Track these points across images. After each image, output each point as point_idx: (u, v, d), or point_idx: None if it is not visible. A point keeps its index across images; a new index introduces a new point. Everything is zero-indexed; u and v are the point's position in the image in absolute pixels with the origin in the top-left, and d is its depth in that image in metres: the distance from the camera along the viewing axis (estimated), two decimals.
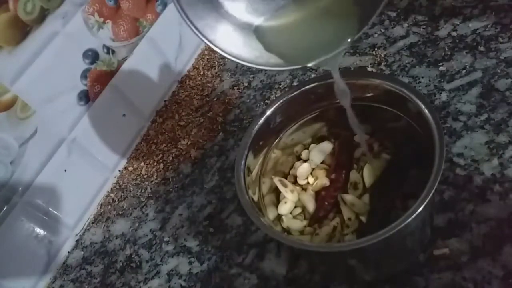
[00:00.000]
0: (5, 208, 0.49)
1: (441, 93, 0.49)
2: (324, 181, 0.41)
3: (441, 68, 0.51)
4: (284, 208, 0.41)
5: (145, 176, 0.59)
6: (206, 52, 0.71)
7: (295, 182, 0.43)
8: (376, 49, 0.57)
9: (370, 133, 0.43)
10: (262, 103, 0.59)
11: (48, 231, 0.54)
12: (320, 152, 0.43)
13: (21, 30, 0.48)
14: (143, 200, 0.57)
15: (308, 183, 0.43)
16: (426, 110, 0.34)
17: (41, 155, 0.52)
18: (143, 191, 0.58)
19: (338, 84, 0.36)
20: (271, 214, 0.40)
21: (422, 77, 0.51)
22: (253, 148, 0.39)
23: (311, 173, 0.43)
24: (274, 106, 0.40)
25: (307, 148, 0.44)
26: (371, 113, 0.40)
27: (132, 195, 0.58)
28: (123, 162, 0.62)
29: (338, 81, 0.35)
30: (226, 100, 0.62)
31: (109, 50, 0.58)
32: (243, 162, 0.38)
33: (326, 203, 0.40)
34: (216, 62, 0.69)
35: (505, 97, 0.46)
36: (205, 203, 0.53)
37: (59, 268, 0.55)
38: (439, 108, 0.48)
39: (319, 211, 0.40)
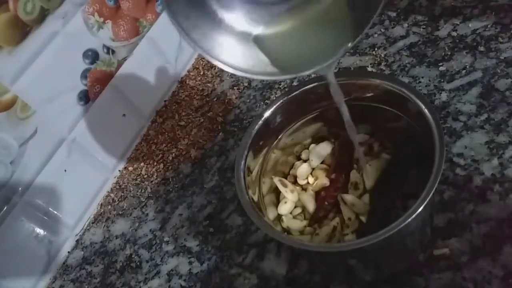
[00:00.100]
0: (5, 208, 0.49)
1: (441, 93, 0.49)
2: (324, 181, 0.41)
3: (441, 68, 0.51)
4: (284, 208, 0.41)
5: (145, 176, 0.59)
6: None
7: (295, 182, 0.43)
8: (376, 49, 0.57)
9: (370, 133, 0.43)
10: (262, 103, 0.59)
11: (48, 231, 0.54)
12: (320, 152, 0.43)
13: (21, 30, 0.48)
14: (143, 200, 0.57)
15: (308, 183, 0.43)
16: (426, 110, 0.34)
17: (41, 155, 0.52)
18: (143, 191, 0.58)
19: (346, 117, 0.36)
20: (271, 214, 0.40)
21: (422, 77, 0.51)
22: (253, 148, 0.39)
23: (311, 173, 0.43)
24: (274, 106, 0.40)
25: (307, 148, 0.44)
26: (371, 113, 0.40)
27: (132, 195, 0.58)
28: (123, 162, 0.62)
29: (336, 92, 0.35)
30: (226, 100, 0.62)
31: (109, 50, 0.58)
32: (243, 162, 0.38)
33: (326, 203, 0.40)
34: None
35: (505, 97, 0.46)
36: (205, 203, 0.53)
37: (59, 268, 0.55)
38: (439, 108, 0.48)
39: (319, 211, 0.40)
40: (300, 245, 0.34)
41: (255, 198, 0.38)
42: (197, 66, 0.69)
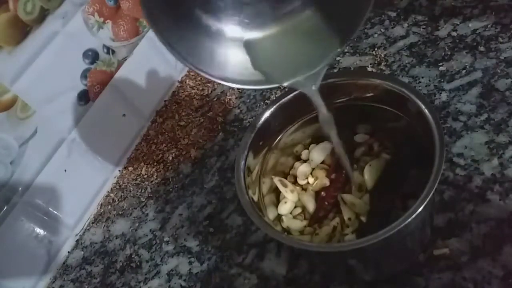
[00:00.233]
0: (5, 208, 0.49)
1: (441, 93, 0.49)
2: (324, 181, 0.41)
3: (441, 68, 0.51)
4: (284, 208, 0.41)
5: (145, 176, 0.59)
6: None
7: (295, 182, 0.43)
8: (376, 49, 0.57)
9: (370, 133, 0.43)
10: (262, 103, 0.59)
11: (48, 231, 0.54)
12: (320, 152, 0.43)
13: (21, 30, 0.48)
14: (143, 200, 0.57)
15: (308, 183, 0.43)
16: (426, 110, 0.34)
17: (41, 155, 0.52)
18: (143, 191, 0.58)
19: (320, 109, 0.35)
20: (271, 214, 0.40)
21: (422, 77, 0.51)
22: (253, 148, 0.39)
23: (311, 173, 0.43)
24: (274, 106, 0.40)
25: (307, 148, 0.44)
26: (371, 113, 0.40)
27: (132, 195, 0.58)
28: (123, 162, 0.62)
29: (320, 106, 0.35)
30: (226, 100, 0.62)
31: (109, 50, 0.58)
32: (243, 162, 0.38)
33: (326, 203, 0.40)
34: None
35: (505, 97, 0.46)
36: (205, 203, 0.53)
37: (59, 268, 0.55)
38: (439, 108, 0.48)
39: (319, 211, 0.40)
40: (300, 245, 0.34)
41: (255, 198, 0.38)
42: None
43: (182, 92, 0.67)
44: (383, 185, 0.39)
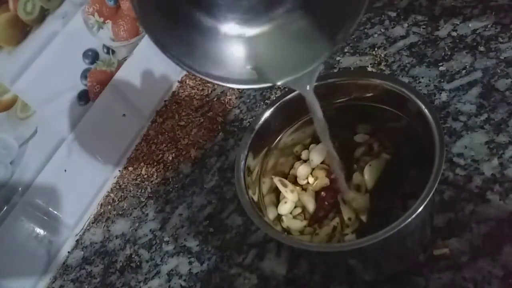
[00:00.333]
0: (5, 208, 0.49)
1: (441, 93, 0.49)
2: (324, 181, 0.41)
3: (441, 68, 0.51)
4: (284, 208, 0.41)
5: (145, 176, 0.59)
6: None
7: (295, 182, 0.43)
8: (376, 49, 0.57)
9: (370, 133, 0.43)
10: (262, 103, 0.59)
11: (48, 231, 0.54)
12: (320, 152, 0.43)
13: (21, 30, 0.48)
14: (143, 200, 0.57)
15: (308, 183, 0.43)
16: (426, 110, 0.34)
17: (41, 155, 0.52)
18: (143, 191, 0.58)
19: (315, 111, 0.35)
20: (271, 214, 0.40)
21: (422, 77, 0.51)
22: (253, 148, 0.39)
23: (311, 173, 0.43)
24: (274, 106, 0.40)
25: (307, 148, 0.44)
26: (371, 113, 0.40)
27: (132, 195, 0.58)
28: (123, 162, 0.62)
29: (314, 107, 0.35)
30: (226, 100, 0.62)
31: (109, 50, 0.58)
32: (243, 162, 0.38)
33: (326, 203, 0.40)
34: None
35: (505, 97, 0.46)
36: (205, 203, 0.53)
37: (59, 268, 0.55)
38: (439, 108, 0.48)
39: (319, 211, 0.40)
40: (300, 245, 0.34)
41: (255, 198, 0.38)
42: None
43: (182, 92, 0.67)
44: (383, 185, 0.39)
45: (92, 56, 0.56)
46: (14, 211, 0.50)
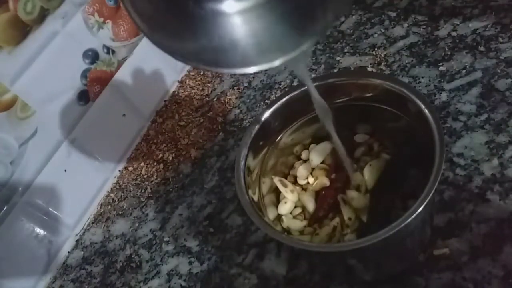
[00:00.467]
0: (5, 208, 0.49)
1: (441, 93, 0.49)
2: (324, 181, 0.41)
3: (441, 68, 0.51)
4: (284, 208, 0.41)
5: (145, 176, 0.59)
6: None
7: (295, 182, 0.43)
8: (376, 49, 0.57)
9: (370, 133, 0.43)
10: (262, 103, 0.59)
11: (48, 231, 0.54)
12: (320, 152, 0.43)
13: (21, 30, 0.48)
14: (143, 200, 0.57)
15: (308, 183, 0.43)
16: (426, 110, 0.34)
17: (41, 155, 0.52)
18: (143, 191, 0.58)
19: (314, 97, 0.34)
20: (271, 214, 0.40)
21: (422, 77, 0.51)
22: (253, 148, 0.39)
23: (311, 173, 0.43)
24: (274, 106, 0.40)
25: (307, 148, 0.44)
26: (371, 113, 0.40)
27: (132, 195, 0.58)
28: (123, 162, 0.62)
29: (314, 94, 0.34)
30: (226, 100, 0.62)
31: (109, 50, 0.58)
32: (243, 162, 0.38)
33: (326, 203, 0.40)
34: None
35: (505, 97, 0.46)
36: (205, 203, 0.53)
37: (59, 268, 0.55)
38: (439, 108, 0.48)
39: (319, 211, 0.40)
40: (300, 245, 0.34)
41: (255, 198, 0.38)
42: None
43: (182, 92, 0.67)
44: (383, 185, 0.39)
45: (92, 56, 0.56)
46: (14, 211, 0.50)
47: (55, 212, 0.54)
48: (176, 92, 0.67)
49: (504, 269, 0.36)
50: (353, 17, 0.62)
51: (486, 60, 0.49)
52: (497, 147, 0.43)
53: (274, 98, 0.55)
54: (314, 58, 0.60)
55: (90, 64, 0.56)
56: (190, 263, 0.48)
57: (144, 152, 0.62)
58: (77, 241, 0.57)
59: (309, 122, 0.43)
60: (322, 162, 0.43)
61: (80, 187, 0.57)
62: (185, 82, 0.68)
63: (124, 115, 0.62)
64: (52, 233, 0.54)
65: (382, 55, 0.56)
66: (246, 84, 0.63)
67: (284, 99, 0.40)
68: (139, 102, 0.63)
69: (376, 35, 0.59)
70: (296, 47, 0.31)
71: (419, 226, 0.35)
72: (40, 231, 0.53)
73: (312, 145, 0.44)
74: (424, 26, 0.56)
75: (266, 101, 0.59)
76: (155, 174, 0.59)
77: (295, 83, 0.59)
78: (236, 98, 0.62)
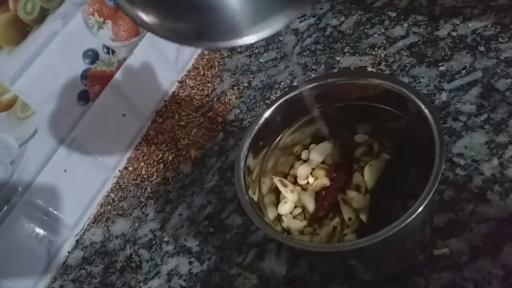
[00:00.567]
0: (5, 208, 0.49)
1: (441, 93, 0.49)
2: (324, 181, 0.41)
3: (441, 68, 0.51)
4: (284, 208, 0.41)
5: (145, 176, 0.59)
6: (206, 52, 0.71)
7: (295, 182, 0.43)
8: (376, 49, 0.57)
9: (370, 133, 0.43)
10: (262, 103, 0.59)
11: (48, 231, 0.54)
12: (320, 152, 0.43)
13: (21, 30, 0.48)
14: (143, 200, 0.57)
15: (308, 183, 0.43)
16: (426, 110, 0.34)
17: (41, 155, 0.52)
18: (143, 191, 0.58)
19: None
20: (271, 214, 0.40)
21: (422, 77, 0.51)
22: (253, 148, 0.39)
23: (311, 173, 0.43)
24: (274, 106, 0.40)
25: (307, 148, 0.44)
26: (371, 113, 0.40)
27: (132, 195, 0.58)
28: (123, 162, 0.62)
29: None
30: (226, 100, 0.62)
31: (109, 50, 0.58)
32: (243, 162, 0.38)
33: (326, 203, 0.40)
34: (216, 62, 0.69)
35: (505, 97, 0.46)
36: (205, 203, 0.53)
37: (59, 268, 0.55)
38: (439, 108, 0.48)
39: (319, 211, 0.40)
40: (300, 245, 0.34)
41: (255, 198, 0.38)
42: (197, 66, 0.69)
43: (182, 92, 0.67)
44: (383, 185, 0.39)
45: (92, 56, 0.56)
46: (14, 211, 0.50)
47: (55, 212, 0.54)
48: (176, 92, 0.67)
49: (504, 269, 0.36)
50: (353, 17, 0.63)
51: (486, 60, 0.49)
52: (497, 147, 0.43)
53: (274, 98, 0.55)
54: (314, 58, 0.60)
55: (90, 64, 0.56)
56: (190, 263, 0.48)
57: (144, 152, 0.62)
58: (77, 241, 0.57)
59: (309, 122, 0.43)
60: (322, 162, 0.43)
61: (80, 187, 0.57)
62: (185, 82, 0.68)
63: (124, 115, 0.62)
64: (52, 233, 0.54)
65: (382, 55, 0.56)
66: (246, 84, 0.63)
67: (284, 99, 0.40)
68: (139, 102, 0.63)
69: (376, 35, 0.59)
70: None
71: (419, 226, 0.35)
72: (40, 231, 0.53)
73: (312, 145, 0.44)
74: (424, 26, 0.56)
75: (266, 101, 0.59)
76: (155, 174, 0.59)
77: (295, 83, 0.59)
78: (236, 98, 0.62)
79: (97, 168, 0.59)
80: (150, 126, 0.65)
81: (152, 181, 0.58)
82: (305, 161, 0.44)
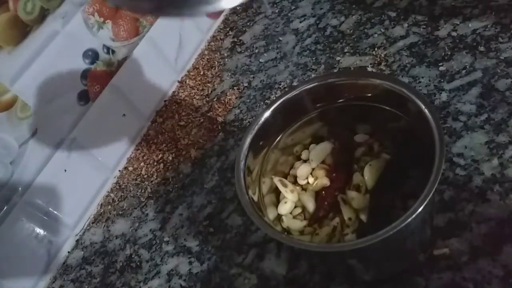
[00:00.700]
0: (5, 208, 0.49)
1: (441, 93, 0.49)
2: (324, 181, 0.41)
3: (441, 68, 0.51)
4: (284, 208, 0.41)
5: (145, 176, 0.59)
6: (206, 52, 0.71)
7: (295, 182, 0.43)
8: (376, 49, 0.57)
9: (370, 133, 0.43)
10: (262, 103, 0.59)
11: (48, 231, 0.54)
12: (320, 152, 0.43)
13: (21, 30, 0.48)
14: (143, 200, 0.57)
15: (308, 183, 0.43)
16: (426, 110, 0.34)
17: (41, 155, 0.52)
18: (143, 191, 0.58)
19: None
20: (271, 214, 0.40)
21: (422, 77, 0.51)
22: (253, 148, 0.39)
23: (311, 173, 0.43)
24: (274, 106, 0.40)
25: (307, 148, 0.44)
26: (371, 113, 0.40)
27: (132, 195, 0.58)
28: (123, 162, 0.62)
29: None
30: (226, 100, 0.62)
31: (109, 50, 0.58)
32: (243, 162, 0.38)
33: (326, 203, 0.40)
34: (216, 62, 0.69)
35: (505, 97, 0.46)
36: (205, 203, 0.53)
37: (59, 268, 0.55)
38: (439, 108, 0.48)
39: (319, 211, 0.40)
40: (300, 245, 0.34)
41: (255, 198, 0.38)
42: (197, 66, 0.69)
43: (182, 92, 0.67)
44: (383, 185, 0.39)
45: (92, 56, 0.56)
46: (14, 211, 0.50)
47: (55, 212, 0.54)
48: (176, 92, 0.67)
49: (504, 269, 0.36)
50: (353, 17, 0.63)
51: (486, 60, 0.49)
52: (497, 147, 0.43)
53: (274, 98, 0.55)
54: (314, 58, 0.60)
55: (90, 64, 0.56)
56: (190, 263, 0.48)
57: (144, 152, 0.62)
58: (77, 241, 0.57)
59: (309, 122, 0.43)
60: (322, 162, 0.43)
61: (80, 187, 0.57)
62: (185, 82, 0.68)
63: (124, 115, 0.62)
64: (52, 233, 0.54)
65: (382, 55, 0.56)
66: (246, 84, 0.63)
67: (284, 99, 0.40)
68: (139, 102, 0.63)
69: (376, 35, 0.59)
70: None
71: (419, 226, 0.35)
72: (40, 231, 0.53)
73: (312, 145, 0.44)
74: (424, 26, 0.56)
75: (266, 101, 0.59)
76: (155, 174, 0.59)
77: (295, 83, 0.59)
78: (236, 98, 0.62)
79: (97, 168, 0.59)
80: (150, 126, 0.65)
81: (152, 181, 0.58)
82: (305, 161, 0.44)
